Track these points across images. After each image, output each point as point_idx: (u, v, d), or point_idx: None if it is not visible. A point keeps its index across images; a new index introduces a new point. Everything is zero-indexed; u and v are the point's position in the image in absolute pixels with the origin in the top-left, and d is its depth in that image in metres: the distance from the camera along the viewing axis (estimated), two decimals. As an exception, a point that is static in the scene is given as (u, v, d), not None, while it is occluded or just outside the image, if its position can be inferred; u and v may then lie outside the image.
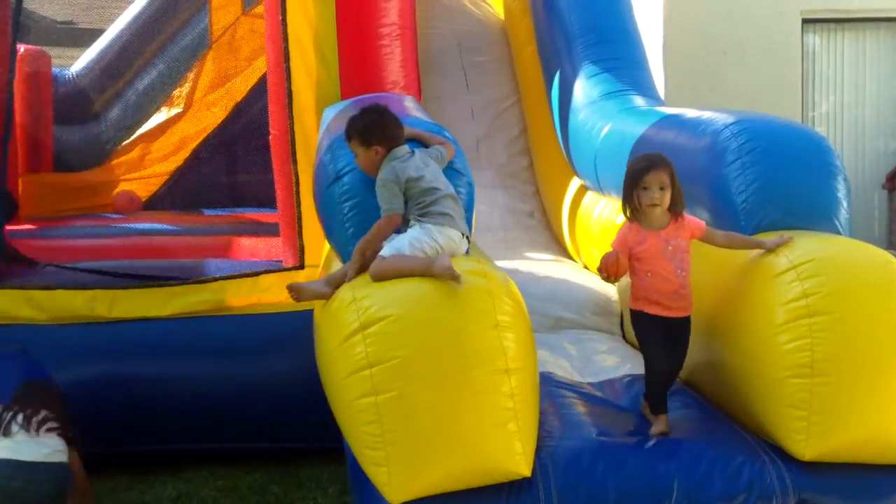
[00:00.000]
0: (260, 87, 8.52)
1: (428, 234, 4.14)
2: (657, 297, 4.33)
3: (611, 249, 4.37)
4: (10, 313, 5.50)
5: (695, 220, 4.42)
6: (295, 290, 4.29)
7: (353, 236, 4.37)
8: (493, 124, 7.85)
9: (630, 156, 5.73)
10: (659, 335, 4.36)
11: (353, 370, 3.83)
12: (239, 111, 8.73)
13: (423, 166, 4.30)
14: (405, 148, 4.36)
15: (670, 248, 4.32)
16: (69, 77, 9.22)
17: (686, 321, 4.38)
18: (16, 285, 5.84)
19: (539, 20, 7.54)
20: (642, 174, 4.31)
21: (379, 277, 4.01)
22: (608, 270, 4.28)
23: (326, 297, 4.21)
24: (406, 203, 4.24)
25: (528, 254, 6.99)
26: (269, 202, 6.91)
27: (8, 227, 6.53)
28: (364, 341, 3.82)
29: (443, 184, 4.30)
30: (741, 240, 4.43)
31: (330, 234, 4.70)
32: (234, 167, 8.49)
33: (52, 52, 9.66)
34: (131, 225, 7.59)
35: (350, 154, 4.49)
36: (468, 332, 3.81)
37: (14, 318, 5.67)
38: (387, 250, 4.11)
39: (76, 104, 9.02)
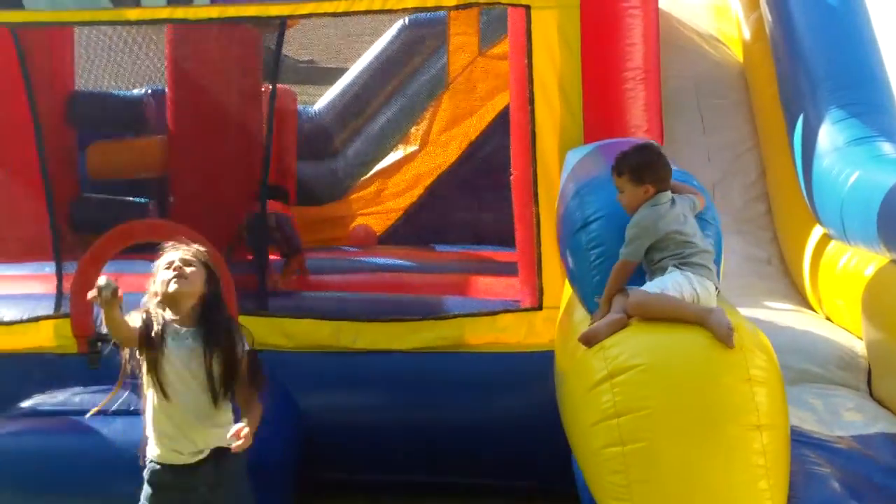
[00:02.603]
0: (493, 127, 8.69)
1: (689, 280, 4.11)
2: None
3: None
4: (263, 340, 5.77)
5: None
6: (587, 338, 4.07)
7: (598, 284, 4.36)
8: (730, 168, 7.70)
9: (884, 206, 5.53)
10: None
11: (599, 418, 3.83)
12: (473, 150, 8.90)
13: (683, 220, 4.27)
14: (669, 195, 4.33)
15: None
16: (312, 115, 9.64)
17: None
18: (270, 313, 6.14)
19: (781, 63, 7.35)
20: None
21: (642, 312, 3.98)
22: None
23: (623, 323, 4.04)
24: (663, 251, 4.19)
25: (765, 302, 6.80)
26: (502, 240, 7.02)
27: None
28: (612, 390, 3.82)
29: (700, 239, 4.27)
30: None
31: (574, 280, 4.72)
32: (467, 205, 8.63)
33: (297, 89, 10.13)
34: (369, 259, 7.84)
35: (599, 201, 4.50)
36: (720, 385, 3.75)
37: (264, 345, 5.94)
38: (651, 286, 4.09)
39: (319, 141, 9.40)
